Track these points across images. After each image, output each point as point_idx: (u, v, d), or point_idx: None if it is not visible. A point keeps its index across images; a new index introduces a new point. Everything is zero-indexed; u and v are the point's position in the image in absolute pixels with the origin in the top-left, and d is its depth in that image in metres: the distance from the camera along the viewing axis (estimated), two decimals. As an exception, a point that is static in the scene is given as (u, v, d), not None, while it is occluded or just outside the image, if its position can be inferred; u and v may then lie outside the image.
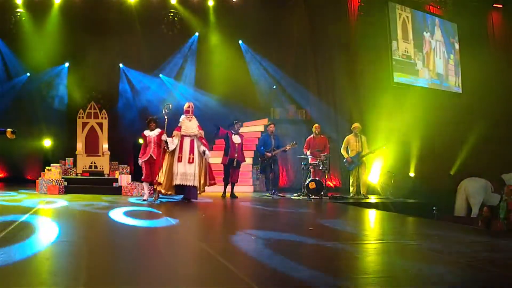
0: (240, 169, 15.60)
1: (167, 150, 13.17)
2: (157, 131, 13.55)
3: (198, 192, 13.48)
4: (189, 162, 13.17)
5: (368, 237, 8.53)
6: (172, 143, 13.12)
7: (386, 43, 20.31)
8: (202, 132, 13.46)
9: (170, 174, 13.18)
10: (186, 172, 13.15)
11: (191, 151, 13.25)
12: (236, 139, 15.14)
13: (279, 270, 5.36)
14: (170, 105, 13.58)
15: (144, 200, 13.25)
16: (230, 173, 15.06)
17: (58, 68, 19.78)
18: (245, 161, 15.97)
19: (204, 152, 13.34)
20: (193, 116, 13.66)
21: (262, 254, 6.37)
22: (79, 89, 19.53)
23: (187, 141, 13.30)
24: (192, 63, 20.88)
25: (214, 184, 13.87)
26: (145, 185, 13.67)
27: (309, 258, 6.18)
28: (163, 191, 13.18)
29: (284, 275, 5.19)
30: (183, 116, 13.59)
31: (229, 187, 15.18)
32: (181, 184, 13.15)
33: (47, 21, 19.21)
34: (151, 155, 13.39)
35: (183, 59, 20.93)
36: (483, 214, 12.54)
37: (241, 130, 15.80)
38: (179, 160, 13.16)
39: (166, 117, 13.26)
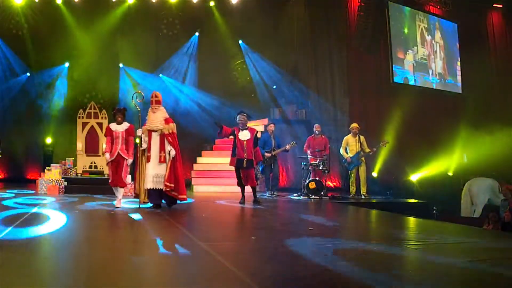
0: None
1: (139, 149, 11.33)
2: (126, 125, 11.62)
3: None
4: (159, 162, 11.13)
5: (366, 236, 8.51)
6: (144, 140, 11.25)
7: (386, 43, 20.33)
8: (170, 126, 11.32)
9: (143, 178, 11.25)
10: (158, 173, 11.16)
11: (162, 148, 11.20)
12: (243, 135, 13.20)
13: (279, 271, 5.36)
14: (142, 93, 11.84)
15: (116, 207, 11.29)
16: (242, 176, 13.20)
17: (59, 68, 19.82)
18: (261, 159, 14.16)
19: (169, 152, 11.20)
20: (159, 107, 11.50)
21: (262, 254, 6.37)
22: (79, 89, 19.58)
23: (155, 137, 11.25)
24: (192, 63, 20.93)
25: (184, 199, 11.50)
26: (114, 190, 11.68)
27: (307, 259, 6.16)
28: (141, 200, 11.27)
29: (283, 275, 5.19)
30: (149, 108, 11.56)
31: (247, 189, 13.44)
32: (153, 188, 11.15)
33: (47, 21, 19.25)
34: (118, 153, 11.38)
35: (183, 59, 20.97)
36: (489, 219, 12.43)
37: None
38: (148, 160, 11.18)
39: (138, 108, 11.53)
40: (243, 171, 13.16)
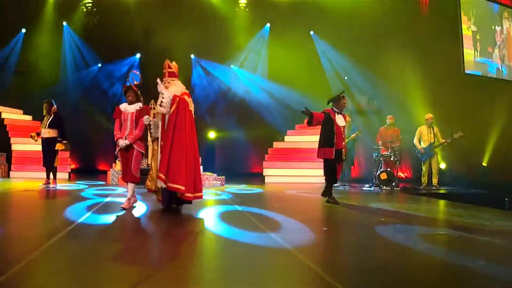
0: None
1: (151, 137, 9.09)
2: (138, 105, 9.27)
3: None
4: None
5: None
6: (155, 125, 8.94)
7: (457, 34, 19.89)
8: (162, 104, 8.67)
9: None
10: None
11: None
12: (340, 120, 10.79)
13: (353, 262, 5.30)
14: (138, 73, 9.04)
15: (122, 208, 8.87)
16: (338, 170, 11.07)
17: (130, 58, 20.18)
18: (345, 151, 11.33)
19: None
20: (174, 81, 9.05)
21: (335, 246, 6.31)
22: (150, 80, 19.90)
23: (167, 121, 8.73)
24: (263, 54, 20.96)
25: (178, 190, 8.46)
26: (129, 186, 9.28)
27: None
28: (157, 198, 9.24)
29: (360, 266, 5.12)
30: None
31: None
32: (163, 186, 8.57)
33: (118, 12, 19.54)
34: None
35: (254, 50, 21.04)
36: None
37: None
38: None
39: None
40: (339, 164, 11.05)
